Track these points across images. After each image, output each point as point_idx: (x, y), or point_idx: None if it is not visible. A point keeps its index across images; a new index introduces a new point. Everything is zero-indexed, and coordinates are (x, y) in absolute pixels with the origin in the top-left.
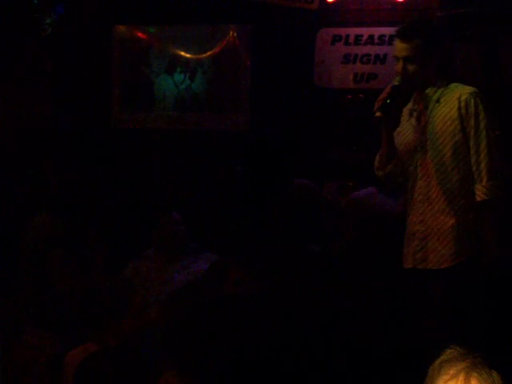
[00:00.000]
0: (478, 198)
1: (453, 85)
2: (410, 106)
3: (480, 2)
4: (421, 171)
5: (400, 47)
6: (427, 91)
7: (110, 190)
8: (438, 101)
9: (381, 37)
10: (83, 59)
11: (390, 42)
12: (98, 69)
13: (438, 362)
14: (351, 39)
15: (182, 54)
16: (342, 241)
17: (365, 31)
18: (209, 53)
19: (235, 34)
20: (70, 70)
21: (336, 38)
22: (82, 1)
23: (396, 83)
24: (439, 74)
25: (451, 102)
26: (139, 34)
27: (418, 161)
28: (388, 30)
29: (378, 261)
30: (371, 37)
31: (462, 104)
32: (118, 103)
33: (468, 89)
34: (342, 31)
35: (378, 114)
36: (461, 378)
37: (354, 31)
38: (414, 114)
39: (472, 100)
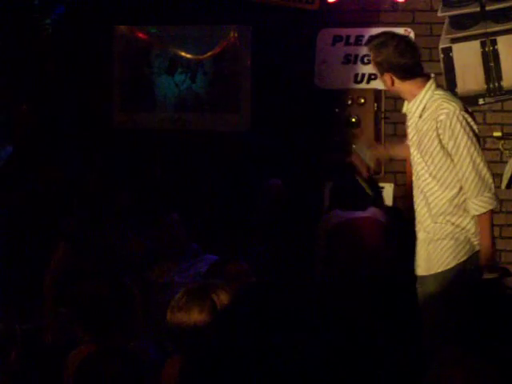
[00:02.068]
0: (472, 214)
1: (437, 96)
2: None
3: (479, 3)
4: (413, 176)
5: None
6: (410, 105)
7: (110, 191)
8: (420, 116)
9: None
10: (84, 59)
11: None
12: (99, 69)
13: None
14: (352, 39)
15: (183, 54)
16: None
17: (365, 31)
18: (209, 53)
19: (236, 35)
20: (71, 71)
21: (337, 39)
22: (82, 1)
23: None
24: (419, 86)
25: (431, 121)
26: (140, 35)
27: (413, 167)
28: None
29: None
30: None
31: (439, 125)
32: (119, 103)
33: (446, 108)
34: (343, 32)
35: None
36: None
37: (354, 31)
38: (407, 123)
39: (448, 122)
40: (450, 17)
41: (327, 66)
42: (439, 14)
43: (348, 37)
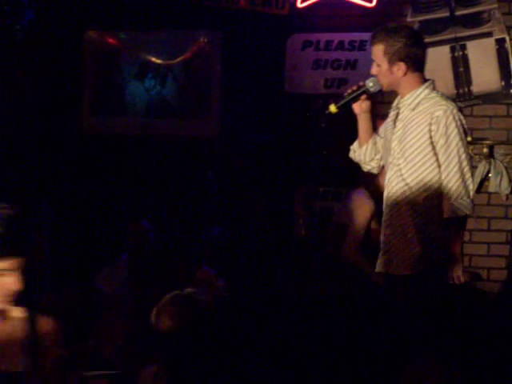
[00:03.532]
0: (446, 215)
1: (433, 95)
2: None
3: (449, 8)
4: (388, 173)
5: (371, 50)
6: (405, 97)
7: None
8: (414, 109)
9: (351, 42)
10: (54, 64)
11: (361, 48)
12: (69, 74)
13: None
14: (322, 45)
15: (153, 59)
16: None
17: (335, 37)
18: (179, 58)
19: (206, 40)
20: (41, 76)
21: (306, 44)
22: (52, 6)
23: (368, 87)
24: (419, 81)
25: (425, 115)
26: (110, 40)
27: (391, 162)
28: (358, 36)
29: None
30: (342, 42)
31: (434, 121)
32: (89, 108)
33: (444, 105)
34: (313, 37)
35: (332, 109)
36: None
37: (324, 37)
38: (393, 116)
39: (444, 119)
40: (420, 22)
41: (297, 71)
42: (409, 19)
43: (318, 42)
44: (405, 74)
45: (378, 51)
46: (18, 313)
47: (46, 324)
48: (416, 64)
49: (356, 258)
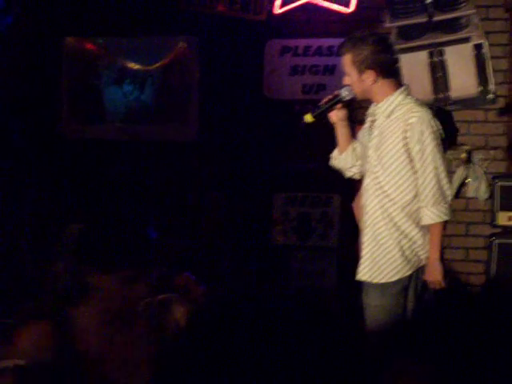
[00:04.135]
0: (424, 222)
1: (407, 101)
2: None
3: (427, 13)
4: (365, 180)
5: (341, 60)
6: (380, 104)
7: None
8: (388, 116)
9: (329, 48)
10: (32, 70)
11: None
12: (48, 79)
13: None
14: (300, 50)
15: (131, 65)
16: None
17: (313, 42)
18: (158, 64)
19: (184, 45)
20: (20, 81)
21: (285, 50)
22: (30, 12)
23: (342, 96)
24: (393, 87)
25: (399, 122)
26: (88, 45)
27: (368, 170)
28: (337, 41)
29: None
30: (320, 48)
31: (408, 127)
32: (68, 114)
33: (418, 111)
34: (291, 42)
35: (308, 118)
36: None
37: (302, 42)
38: (369, 123)
39: (418, 125)
40: (398, 27)
41: (275, 77)
42: (387, 24)
43: (296, 47)
44: (375, 82)
45: (347, 61)
46: None
47: None
48: (386, 70)
49: None
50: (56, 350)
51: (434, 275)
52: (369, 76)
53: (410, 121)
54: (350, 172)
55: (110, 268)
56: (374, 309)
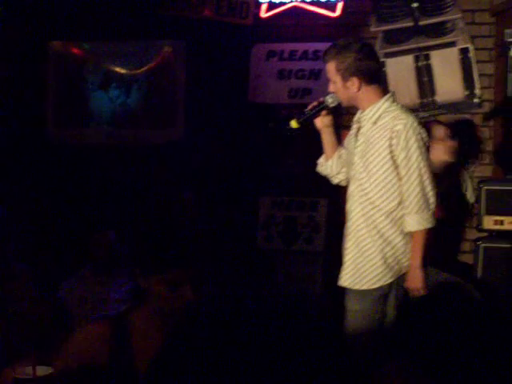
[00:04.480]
0: (407, 229)
1: (393, 108)
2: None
3: (413, 18)
4: (350, 187)
5: (326, 68)
6: (366, 111)
7: (43, 207)
8: (375, 122)
9: (315, 52)
10: (18, 74)
11: None
12: (34, 84)
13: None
14: (286, 55)
15: (117, 69)
16: None
17: (299, 47)
18: (144, 68)
19: (170, 50)
20: (5, 85)
21: (270, 54)
22: (16, 16)
23: (327, 103)
24: (378, 94)
25: (385, 129)
26: (74, 50)
27: (353, 176)
28: (322, 46)
29: None
30: (306, 52)
31: (394, 135)
32: (54, 118)
33: (404, 119)
34: (277, 47)
35: (294, 124)
36: None
37: (288, 47)
38: (355, 130)
39: (404, 133)
40: (384, 31)
41: (261, 81)
42: (373, 28)
43: (282, 52)
44: (359, 89)
45: (331, 68)
46: None
47: None
48: (370, 77)
49: None
50: (112, 352)
51: (415, 282)
52: (353, 83)
53: (396, 128)
54: (336, 179)
55: (160, 271)
56: (354, 314)
